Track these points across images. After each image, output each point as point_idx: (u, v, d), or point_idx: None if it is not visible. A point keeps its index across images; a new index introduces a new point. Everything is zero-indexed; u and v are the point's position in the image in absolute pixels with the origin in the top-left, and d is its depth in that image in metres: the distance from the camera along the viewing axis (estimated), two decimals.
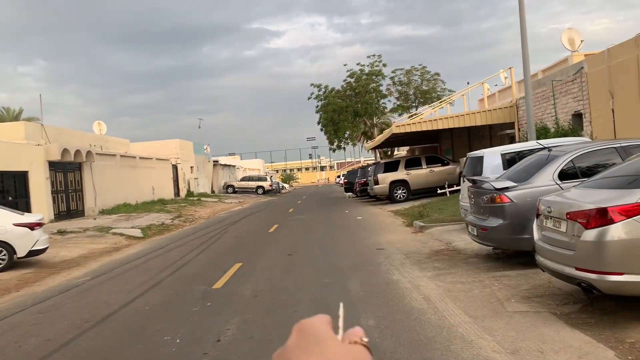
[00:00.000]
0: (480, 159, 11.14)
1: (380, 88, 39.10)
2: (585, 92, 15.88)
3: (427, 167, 23.44)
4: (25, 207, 19.92)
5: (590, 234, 5.00)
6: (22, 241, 11.61)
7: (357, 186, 31.05)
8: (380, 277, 7.82)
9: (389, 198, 23.91)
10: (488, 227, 7.63)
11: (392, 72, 39.81)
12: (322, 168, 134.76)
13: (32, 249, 11.71)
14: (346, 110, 38.48)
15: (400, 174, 23.28)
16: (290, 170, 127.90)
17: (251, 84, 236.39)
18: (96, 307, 7.25)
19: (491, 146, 24.64)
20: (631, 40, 13.75)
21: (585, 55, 19.36)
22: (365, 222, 16.53)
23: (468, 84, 29.56)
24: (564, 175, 7.47)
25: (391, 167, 23.76)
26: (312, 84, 40.13)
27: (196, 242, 14.42)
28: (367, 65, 38.89)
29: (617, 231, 4.84)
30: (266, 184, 51.84)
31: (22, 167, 19.97)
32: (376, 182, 23.56)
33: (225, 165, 57.94)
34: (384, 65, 38.80)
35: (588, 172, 7.42)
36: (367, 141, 45.25)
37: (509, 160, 10.84)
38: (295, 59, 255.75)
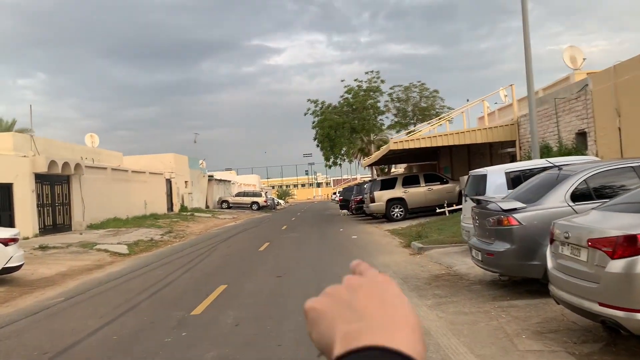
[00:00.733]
0: (483, 178, 10.53)
1: (378, 104, 38.72)
2: (590, 110, 15.35)
3: (426, 185, 22.83)
4: (9, 221, 19.20)
5: (616, 265, 4.36)
6: None
7: (353, 204, 30.40)
8: None
9: (385, 216, 23.25)
10: (494, 252, 6.98)
11: (390, 88, 39.47)
12: (318, 184, 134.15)
13: (5, 266, 10.96)
14: (343, 126, 37.99)
15: (398, 191, 22.65)
16: (287, 186, 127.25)
17: (249, 100, 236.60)
18: (60, 335, 6.54)
19: (491, 165, 24.09)
20: (638, 57, 13.27)
21: (587, 73, 18.91)
22: (361, 242, 15.86)
23: (468, 101, 29.14)
24: (577, 196, 6.85)
25: (388, 184, 23.14)
26: (308, 100, 39.72)
27: (183, 260, 13.70)
28: (365, 82, 38.54)
29: None
30: (261, 200, 51.15)
31: (6, 179, 19.28)
32: (372, 200, 22.92)
33: (220, 180, 57.27)
34: (382, 81, 38.48)
35: (603, 194, 6.82)
36: (363, 158, 44.72)
37: (514, 179, 10.24)
38: (293, 75, 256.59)
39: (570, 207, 6.73)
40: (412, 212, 22.86)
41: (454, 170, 29.74)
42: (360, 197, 28.57)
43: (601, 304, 4.48)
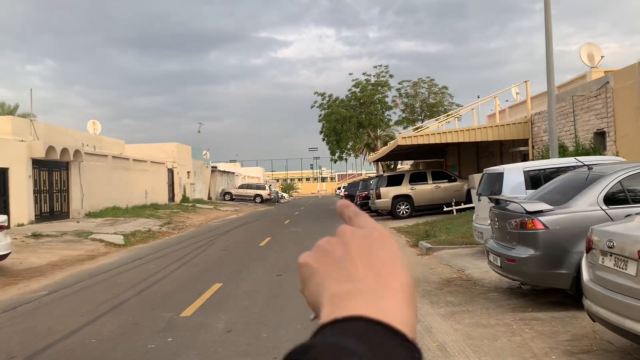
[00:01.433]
0: (499, 176, 9.85)
1: (386, 99, 37.97)
2: (611, 109, 14.62)
3: (433, 183, 22.13)
4: (3, 207, 18.64)
5: None
6: None
7: (358, 199, 29.71)
8: None
9: (391, 214, 22.58)
10: (516, 258, 6.31)
11: (399, 83, 38.68)
12: (323, 179, 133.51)
13: None
14: (350, 120, 37.28)
15: (404, 188, 21.96)
16: (291, 179, 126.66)
17: (256, 93, 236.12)
18: (34, 336, 5.92)
19: (501, 164, 23.39)
20: None
21: (605, 72, 18.16)
22: None
23: (478, 97, 28.37)
24: (611, 199, 6.18)
25: (395, 180, 22.45)
26: (316, 92, 39.05)
27: (179, 254, 13.09)
28: (374, 76, 37.79)
29: None
30: (264, 193, 50.51)
31: (2, 163, 18.69)
32: (378, 196, 22.23)
33: (224, 171, 56.66)
34: (391, 76, 37.72)
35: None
36: (369, 153, 44.00)
37: (532, 179, 9.57)
38: (301, 69, 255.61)
39: (603, 211, 6.06)
40: (419, 210, 22.18)
41: (462, 168, 29.03)
42: (366, 192, 27.92)
43: None
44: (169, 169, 38.49)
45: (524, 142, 20.04)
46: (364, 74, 37.82)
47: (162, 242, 16.61)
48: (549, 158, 13.58)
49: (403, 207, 21.87)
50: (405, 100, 38.75)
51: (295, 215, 30.18)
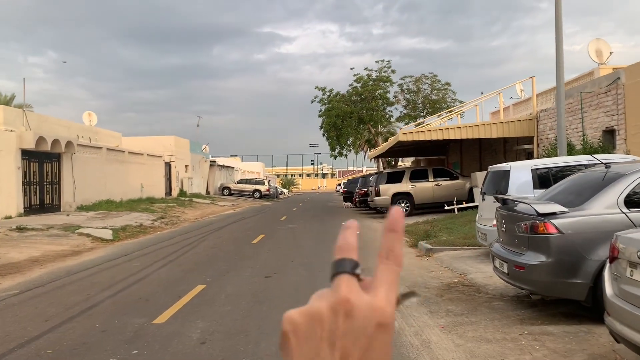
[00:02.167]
0: (505, 174, 9.22)
1: (388, 95, 37.29)
2: (621, 106, 13.96)
3: (434, 181, 21.49)
4: None
5: None
6: None
7: (357, 196, 29.11)
8: None
9: None
10: (525, 265, 5.68)
11: (401, 79, 38.01)
12: (324, 175, 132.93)
13: None
14: (350, 115, 36.62)
15: (405, 186, 21.33)
16: (292, 175, 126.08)
17: (258, 88, 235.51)
18: None
19: (505, 162, 22.73)
20: None
21: (613, 68, 17.51)
22: (363, 239, 14.56)
23: (482, 93, 27.72)
24: (632, 201, 5.55)
25: (395, 177, 21.82)
26: (316, 87, 38.33)
27: (166, 251, 12.48)
28: (375, 71, 37.10)
29: None
30: (263, 188, 49.92)
31: None
32: (377, 193, 21.61)
33: (223, 166, 56.06)
34: (393, 71, 37.05)
35: None
36: (370, 150, 43.35)
37: (541, 177, 8.94)
38: (303, 65, 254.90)
39: (623, 214, 5.43)
40: (419, 208, 21.58)
41: (464, 166, 28.39)
42: (365, 189, 27.27)
43: None
44: (166, 163, 37.89)
45: (529, 139, 19.39)
46: (365, 68, 37.19)
47: (152, 238, 16.01)
48: (555, 156, 12.97)
49: (403, 205, 21.23)
50: (407, 96, 38.09)
51: (293, 211, 29.57)
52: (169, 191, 38.26)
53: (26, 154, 20.28)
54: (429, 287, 7.75)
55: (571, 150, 15.37)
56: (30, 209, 20.41)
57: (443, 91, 37.83)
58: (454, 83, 37.55)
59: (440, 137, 19.78)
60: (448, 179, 21.64)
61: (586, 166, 8.54)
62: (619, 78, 14.21)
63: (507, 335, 5.31)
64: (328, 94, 37.76)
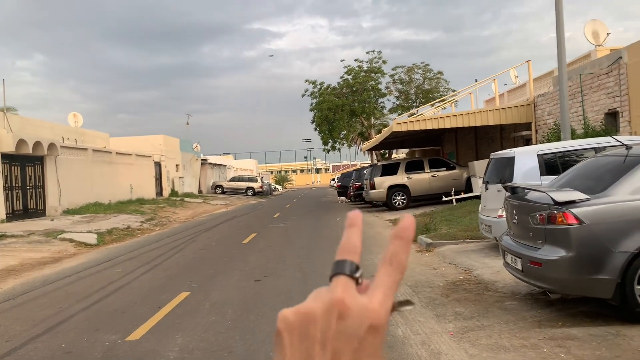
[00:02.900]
0: (509, 161, 8.59)
1: (379, 86, 36.63)
2: (624, 87, 13.37)
3: (431, 172, 20.88)
4: None
5: None
6: None
7: (352, 190, 28.47)
8: None
9: (386, 205, 21.35)
10: (542, 261, 5.06)
11: (393, 69, 37.35)
12: (317, 170, 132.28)
13: None
14: (342, 108, 35.93)
15: (400, 178, 20.70)
16: (285, 171, 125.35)
17: (250, 85, 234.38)
18: None
19: (502, 150, 22.16)
20: None
21: (611, 49, 16.95)
22: None
23: (476, 81, 27.12)
24: None
25: (390, 170, 21.18)
26: (306, 80, 37.64)
27: (152, 255, 11.80)
28: (366, 62, 36.44)
29: None
30: (256, 185, 49.18)
31: None
32: (372, 187, 20.98)
33: (215, 164, 55.28)
34: (384, 62, 36.39)
35: None
36: (363, 142, 42.72)
37: (548, 163, 8.33)
38: (294, 60, 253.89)
39: None
40: (415, 200, 20.98)
41: (459, 155, 27.83)
42: (360, 183, 26.65)
43: None
44: (156, 162, 37.10)
45: (527, 126, 18.82)
46: (356, 60, 36.52)
47: (139, 241, 15.31)
48: (554, 142, 12.37)
49: (399, 197, 20.64)
50: (400, 86, 37.47)
51: (287, 208, 28.91)
52: (159, 191, 37.50)
53: (7, 158, 19.50)
54: (433, 286, 7.12)
55: (572, 135, 14.77)
56: (13, 215, 19.64)
57: (435, 80, 37.25)
58: (446, 73, 37.01)
59: (435, 127, 19.16)
60: (444, 169, 21.03)
61: (596, 150, 7.95)
62: (620, 58, 13.61)
63: (526, 341, 4.68)
64: (319, 87, 37.09)
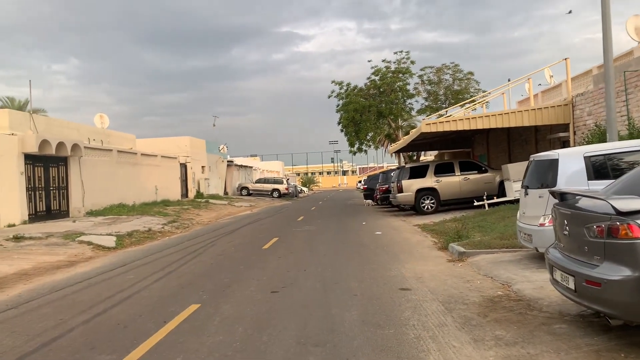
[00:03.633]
0: (552, 164, 7.78)
1: (407, 87, 35.74)
2: None
3: (461, 174, 19.99)
4: None
5: None
6: None
7: (378, 193, 27.72)
8: (406, 356, 4.55)
9: (414, 209, 20.56)
10: (602, 281, 4.28)
11: (421, 70, 36.46)
12: (344, 172, 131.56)
13: None
14: (369, 109, 35.17)
15: (429, 181, 19.87)
16: (312, 173, 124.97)
17: (278, 87, 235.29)
18: None
19: (537, 152, 21.11)
20: None
21: None
22: (386, 240, 13.23)
23: (509, 80, 26.06)
24: None
25: (418, 172, 20.37)
26: (333, 81, 36.98)
27: (168, 260, 11.31)
28: (394, 62, 35.62)
29: None
30: (282, 187, 48.80)
31: None
32: (400, 190, 20.20)
33: (241, 166, 55.12)
34: (412, 62, 35.52)
35: None
36: (390, 144, 41.85)
37: (596, 166, 7.49)
38: (322, 63, 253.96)
39: None
40: (445, 204, 20.12)
41: (491, 158, 26.81)
42: (387, 186, 25.89)
43: None
44: (181, 164, 36.98)
45: (564, 127, 17.80)
46: (383, 60, 35.77)
47: (158, 244, 14.88)
48: (594, 143, 11.45)
49: (428, 201, 19.81)
50: (428, 87, 36.55)
51: (311, 210, 28.32)
52: (185, 193, 37.36)
53: (30, 159, 19.39)
54: (467, 302, 6.38)
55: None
56: (35, 216, 19.51)
57: (466, 81, 36.21)
58: (476, 75, 35.79)
59: (466, 127, 18.27)
60: (476, 172, 20.12)
61: None
62: None
63: None
64: (345, 88, 36.41)
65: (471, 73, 36.42)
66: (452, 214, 18.21)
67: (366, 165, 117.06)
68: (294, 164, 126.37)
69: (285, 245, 12.96)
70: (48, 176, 20.64)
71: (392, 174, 25.15)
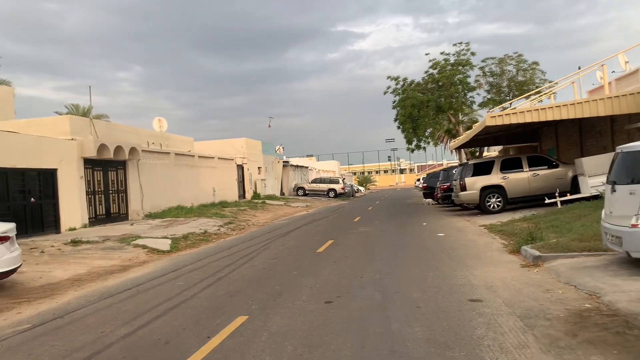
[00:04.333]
0: None
1: (468, 80, 34.24)
2: None
3: (530, 170, 18.65)
4: (53, 210, 17.49)
5: None
6: None
7: (439, 192, 26.57)
8: None
9: (479, 207, 19.40)
10: None
11: (482, 61, 34.84)
12: (402, 171, 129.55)
13: None
14: (427, 105, 33.96)
15: (495, 177, 18.66)
16: (368, 172, 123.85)
17: (333, 87, 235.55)
18: None
19: (613, 145, 19.47)
20: None
21: None
22: (450, 242, 12.31)
23: (579, 68, 24.30)
24: None
25: (483, 169, 19.18)
26: (388, 77, 36.01)
27: (220, 264, 10.91)
28: (453, 55, 34.25)
29: None
30: (338, 187, 48.21)
31: (49, 164, 17.49)
32: (463, 188, 19.10)
33: (297, 166, 54.99)
34: (473, 54, 34.02)
35: None
36: (450, 140, 40.35)
37: None
38: (378, 60, 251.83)
39: None
40: (512, 202, 18.85)
41: (560, 152, 25.10)
42: (448, 184, 24.74)
43: None
44: (238, 165, 37.11)
45: None
46: (442, 53, 34.53)
47: (212, 247, 14.60)
48: None
49: (494, 199, 18.61)
50: (490, 79, 34.85)
51: (368, 210, 27.54)
52: (242, 194, 37.47)
53: (89, 163, 19.69)
54: (550, 317, 5.49)
55: None
56: (95, 219, 19.80)
57: (530, 71, 34.25)
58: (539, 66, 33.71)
59: (535, 119, 16.97)
60: (546, 167, 18.72)
61: None
62: None
63: None
64: (402, 83, 35.37)
65: (536, 63, 34.46)
66: (520, 212, 16.98)
67: (424, 163, 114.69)
68: (350, 163, 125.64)
69: (341, 248, 12.30)
70: (107, 180, 20.93)
71: (453, 171, 24.00)
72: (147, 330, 5.96)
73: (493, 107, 32.71)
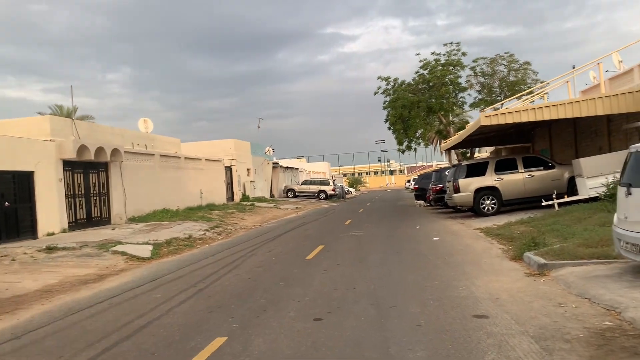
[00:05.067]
0: None
1: (459, 80, 33.78)
2: None
3: (525, 171, 18.11)
4: (30, 214, 16.66)
5: None
6: None
7: (432, 193, 26.01)
8: None
9: (473, 210, 18.83)
10: None
11: (473, 61, 34.39)
12: (392, 172, 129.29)
13: None
14: (418, 105, 33.44)
15: (489, 179, 18.09)
16: (359, 174, 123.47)
17: (323, 88, 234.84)
18: None
19: (610, 145, 19.00)
20: None
21: None
22: (445, 247, 11.68)
23: (574, 67, 23.86)
24: None
25: (477, 170, 18.61)
26: (379, 77, 35.45)
27: (203, 273, 10.19)
28: (444, 55, 33.75)
29: None
30: (329, 189, 47.58)
31: (25, 166, 16.66)
32: (456, 189, 18.51)
33: (287, 167, 54.25)
34: (464, 54, 33.57)
35: None
36: (441, 141, 39.86)
37: None
38: (368, 62, 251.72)
39: None
40: (507, 204, 18.31)
41: (554, 153, 24.65)
42: (441, 185, 24.17)
43: None
44: (226, 167, 36.34)
45: None
46: (432, 53, 33.96)
47: (196, 253, 13.87)
48: None
49: (488, 201, 18.04)
50: (482, 79, 34.40)
51: (359, 213, 26.90)
52: (231, 196, 36.69)
53: (69, 165, 18.87)
54: (569, 338, 4.85)
55: None
56: (76, 224, 18.97)
57: (522, 71, 33.85)
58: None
59: (531, 119, 16.42)
60: (541, 168, 18.19)
61: None
62: None
63: None
64: (392, 83, 34.81)
65: (528, 63, 34.09)
66: (516, 215, 16.42)
67: (414, 164, 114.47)
68: (340, 164, 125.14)
69: (332, 254, 11.63)
70: (88, 182, 20.10)
71: (446, 173, 23.44)
72: (111, 356, 5.24)
73: (484, 108, 32.23)
